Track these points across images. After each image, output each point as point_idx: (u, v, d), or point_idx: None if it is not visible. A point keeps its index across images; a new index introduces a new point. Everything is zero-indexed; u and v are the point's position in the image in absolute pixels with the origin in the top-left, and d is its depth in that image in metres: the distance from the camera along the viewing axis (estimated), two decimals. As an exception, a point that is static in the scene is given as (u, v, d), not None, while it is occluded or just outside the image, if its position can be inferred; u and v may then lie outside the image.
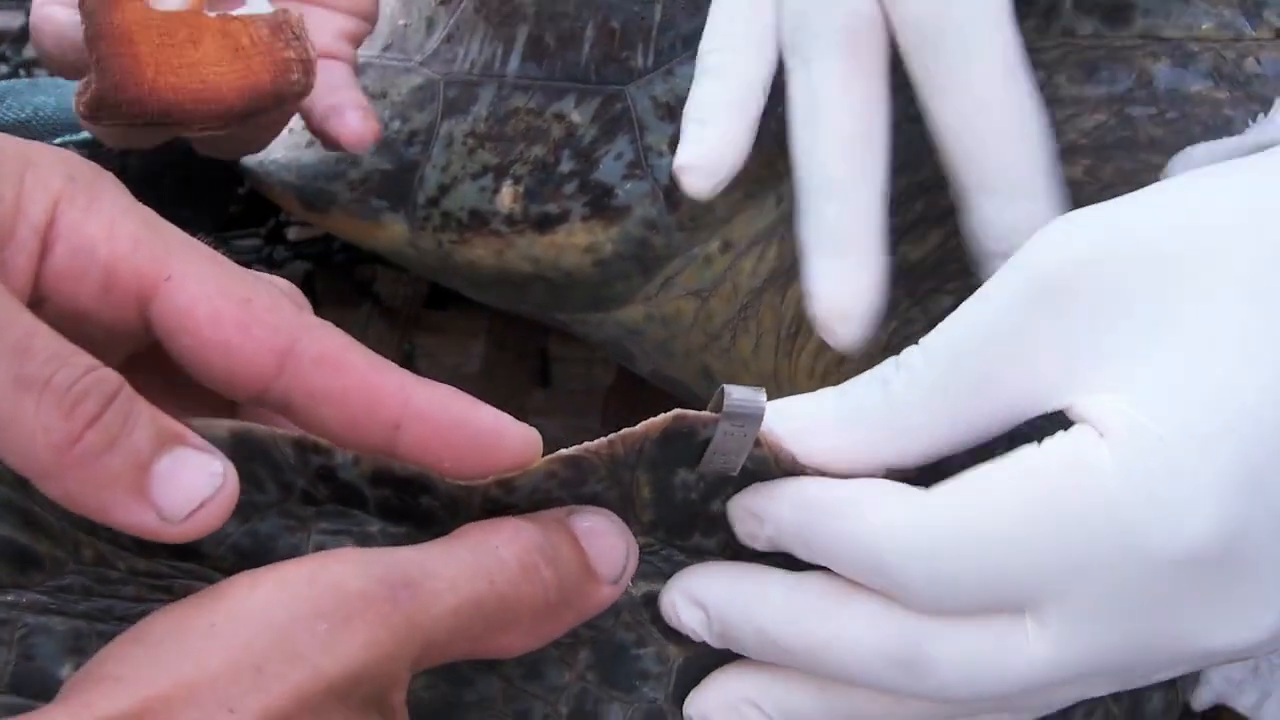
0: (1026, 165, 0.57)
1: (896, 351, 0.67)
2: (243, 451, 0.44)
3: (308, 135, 0.73)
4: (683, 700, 0.51)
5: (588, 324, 0.78)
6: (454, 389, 0.45)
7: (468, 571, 0.44)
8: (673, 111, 0.61)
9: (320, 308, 0.47)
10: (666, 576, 0.50)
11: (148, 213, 0.45)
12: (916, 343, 0.47)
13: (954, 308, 0.66)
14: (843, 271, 0.57)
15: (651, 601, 0.50)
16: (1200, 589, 0.42)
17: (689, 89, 0.63)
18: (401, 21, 0.79)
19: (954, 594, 0.44)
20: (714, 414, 0.47)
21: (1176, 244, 0.43)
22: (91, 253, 0.44)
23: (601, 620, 0.50)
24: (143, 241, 0.44)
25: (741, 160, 0.61)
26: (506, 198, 0.72)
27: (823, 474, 0.48)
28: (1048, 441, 0.44)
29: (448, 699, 0.49)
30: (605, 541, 0.48)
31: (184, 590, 0.43)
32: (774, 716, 0.49)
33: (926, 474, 0.47)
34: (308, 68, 0.64)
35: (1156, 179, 0.63)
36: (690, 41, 0.69)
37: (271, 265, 0.95)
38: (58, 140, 0.77)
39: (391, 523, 0.46)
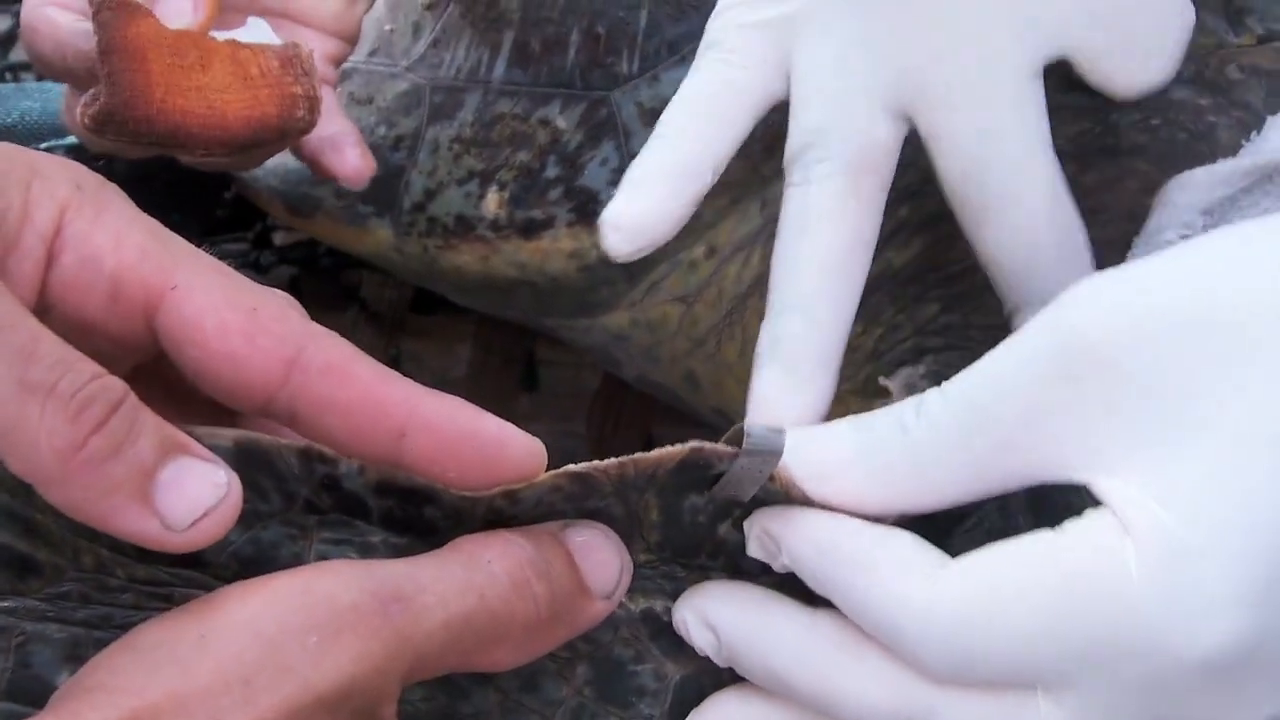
0: None
1: (882, 359, 0.68)
2: (246, 460, 0.44)
3: (293, 141, 0.73)
4: (679, 718, 0.51)
5: (573, 330, 0.78)
6: (460, 400, 0.45)
7: (459, 585, 0.44)
8: (657, 117, 0.61)
9: (307, 313, 0.47)
10: (667, 593, 0.50)
11: (153, 223, 0.45)
12: (936, 383, 0.47)
13: (940, 314, 0.68)
14: (788, 386, 0.56)
15: (650, 618, 0.50)
16: (1216, 688, 0.42)
17: (674, 95, 0.62)
18: (388, 27, 0.79)
19: (969, 670, 0.44)
20: (732, 449, 0.47)
21: (1210, 325, 0.42)
22: (98, 263, 0.44)
23: (600, 635, 0.50)
24: (149, 252, 0.44)
25: (669, 233, 0.59)
26: (492, 203, 0.72)
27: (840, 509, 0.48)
28: (1072, 527, 0.44)
29: (444, 711, 0.49)
30: (599, 556, 0.48)
31: (183, 598, 0.44)
32: None
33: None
34: (313, 105, 0.64)
35: (1139, 186, 0.64)
36: (676, 47, 0.70)
37: (258, 270, 0.95)
38: (43, 145, 0.77)
39: (394, 533, 0.47)
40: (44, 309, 0.44)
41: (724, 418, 0.78)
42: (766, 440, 0.47)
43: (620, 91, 0.71)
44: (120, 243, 0.44)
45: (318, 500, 0.46)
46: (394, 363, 0.91)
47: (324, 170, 0.70)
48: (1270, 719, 0.44)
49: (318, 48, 0.71)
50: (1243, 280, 0.43)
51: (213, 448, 0.43)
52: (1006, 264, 0.58)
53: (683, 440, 0.48)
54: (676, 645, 0.51)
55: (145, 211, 0.46)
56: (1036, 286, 0.57)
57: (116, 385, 0.40)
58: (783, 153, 0.60)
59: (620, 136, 0.70)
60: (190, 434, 0.43)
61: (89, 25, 0.60)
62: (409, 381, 0.45)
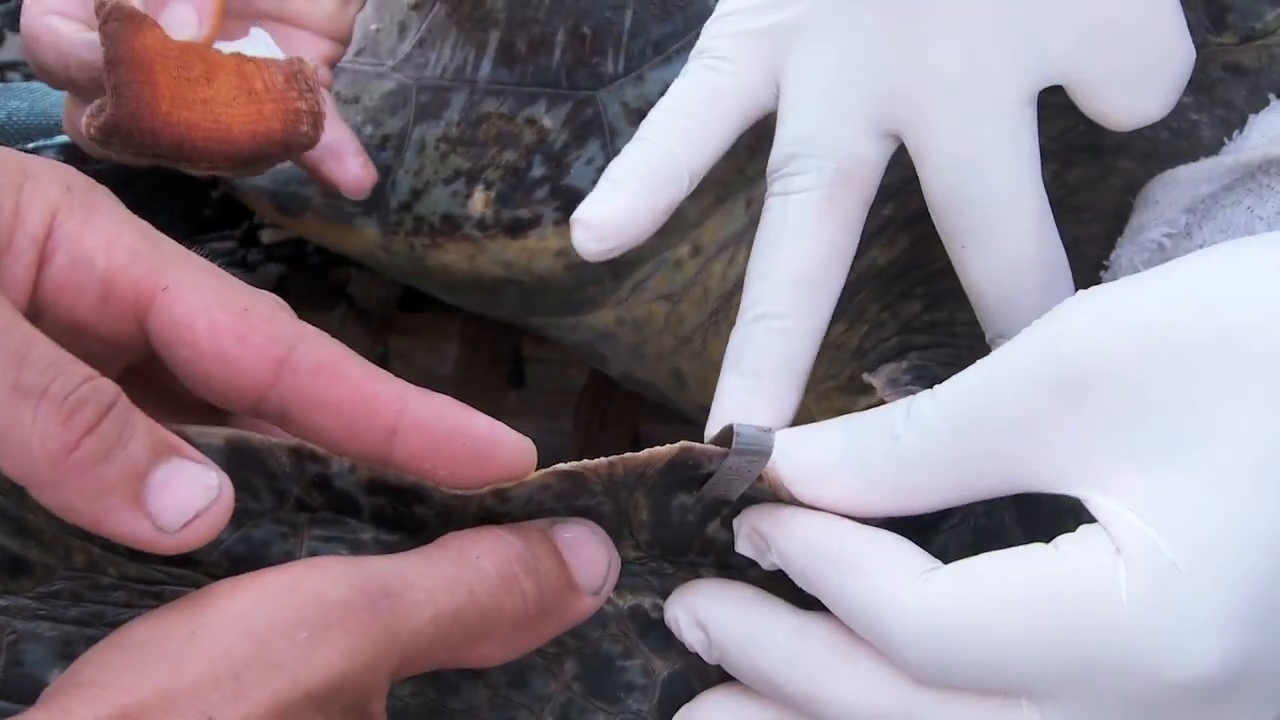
0: None
1: (867, 357, 0.68)
2: (238, 459, 0.45)
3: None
4: (667, 713, 0.51)
5: (560, 328, 0.79)
6: (451, 399, 0.46)
7: (448, 581, 0.44)
8: (643, 117, 0.61)
9: (294, 310, 0.48)
10: (655, 590, 0.51)
11: (144, 225, 0.46)
12: (928, 387, 0.47)
13: (924, 311, 0.68)
14: (750, 395, 0.55)
15: (639, 614, 0.51)
16: (1202, 708, 0.42)
17: (659, 94, 0.62)
18: (374, 26, 0.79)
19: (955, 674, 0.45)
20: (721, 449, 0.48)
21: (1204, 343, 0.42)
22: (90, 264, 0.44)
23: (588, 631, 0.50)
24: (140, 253, 0.44)
25: (641, 235, 0.59)
26: (479, 202, 0.72)
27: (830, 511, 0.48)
28: (1065, 542, 0.44)
29: (433, 706, 0.49)
30: (586, 553, 0.48)
31: (175, 596, 0.44)
32: None
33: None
34: (317, 120, 0.64)
35: (1122, 184, 0.64)
36: (661, 46, 0.70)
37: (246, 268, 0.95)
38: (30, 145, 0.77)
39: (385, 531, 0.47)
40: (36, 312, 0.44)
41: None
42: (756, 441, 0.48)
43: (606, 91, 0.71)
44: (111, 244, 0.44)
45: (309, 498, 0.46)
46: (382, 360, 0.91)
47: (324, 179, 0.70)
48: None
49: (313, 51, 0.71)
50: (1238, 298, 0.43)
51: (204, 447, 0.43)
52: (988, 291, 0.57)
53: (669, 437, 0.49)
54: (665, 641, 0.51)
55: (133, 212, 0.46)
56: (1017, 316, 0.56)
57: (108, 388, 0.40)
58: (769, 152, 0.60)
59: (606, 136, 0.70)
60: (181, 433, 0.43)
61: (93, 35, 0.60)
62: (400, 381, 0.46)
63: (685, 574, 0.51)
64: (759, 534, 0.49)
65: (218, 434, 0.45)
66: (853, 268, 0.58)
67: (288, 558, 0.45)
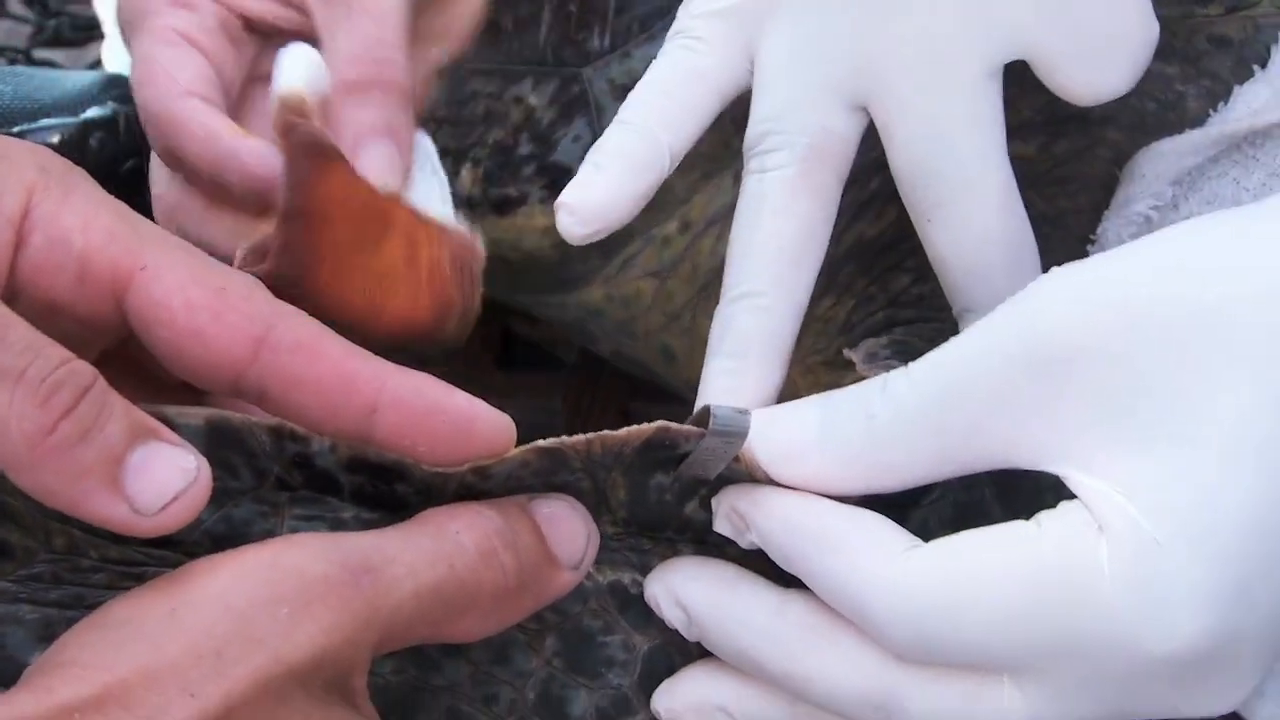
0: None
1: (854, 331, 0.68)
2: (217, 438, 0.45)
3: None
4: (648, 688, 0.51)
5: (549, 306, 0.79)
6: (429, 375, 0.46)
7: (428, 556, 0.44)
8: (629, 93, 0.61)
9: (275, 294, 0.47)
10: (634, 566, 0.51)
11: (121, 205, 0.45)
12: (903, 364, 0.47)
13: (912, 285, 0.68)
14: (735, 375, 0.56)
15: (618, 590, 0.51)
16: (1181, 683, 0.43)
17: (645, 71, 0.62)
18: (358, 6, 0.79)
19: (936, 650, 0.45)
20: (698, 429, 0.48)
21: (1188, 315, 0.42)
22: (67, 244, 0.44)
23: (568, 607, 0.50)
24: (117, 233, 0.44)
25: (624, 218, 0.59)
26: (466, 180, 0.72)
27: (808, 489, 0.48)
28: (1045, 520, 0.44)
29: (415, 683, 0.49)
30: (566, 527, 0.48)
31: (156, 577, 0.44)
32: None
33: None
34: (466, 319, 0.57)
35: (1110, 155, 0.64)
36: (646, 23, 0.70)
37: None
38: (15, 130, 0.76)
39: (366, 509, 0.47)
40: (13, 293, 0.44)
41: (700, 393, 0.78)
42: (732, 421, 0.48)
43: (592, 68, 0.71)
44: (88, 224, 0.44)
45: (289, 477, 0.46)
46: (370, 341, 0.91)
47: None
48: (1243, 700, 0.44)
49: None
50: (1219, 272, 0.43)
51: (184, 427, 0.43)
52: (953, 264, 0.57)
53: (659, 416, 0.49)
54: (645, 617, 0.51)
55: (115, 197, 0.46)
56: (984, 290, 0.56)
57: (85, 370, 0.40)
58: None
59: (592, 113, 0.70)
60: (160, 414, 0.43)
61: (257, 142, 0.55)
62: (378, 359, 0.46)
63: (664, 550, 0.51)
64: (737, 513, 0.49)
65: (197, 414, 0.45)
66: (840, 241, 0.58)
67: (269, 536, 0.45)
